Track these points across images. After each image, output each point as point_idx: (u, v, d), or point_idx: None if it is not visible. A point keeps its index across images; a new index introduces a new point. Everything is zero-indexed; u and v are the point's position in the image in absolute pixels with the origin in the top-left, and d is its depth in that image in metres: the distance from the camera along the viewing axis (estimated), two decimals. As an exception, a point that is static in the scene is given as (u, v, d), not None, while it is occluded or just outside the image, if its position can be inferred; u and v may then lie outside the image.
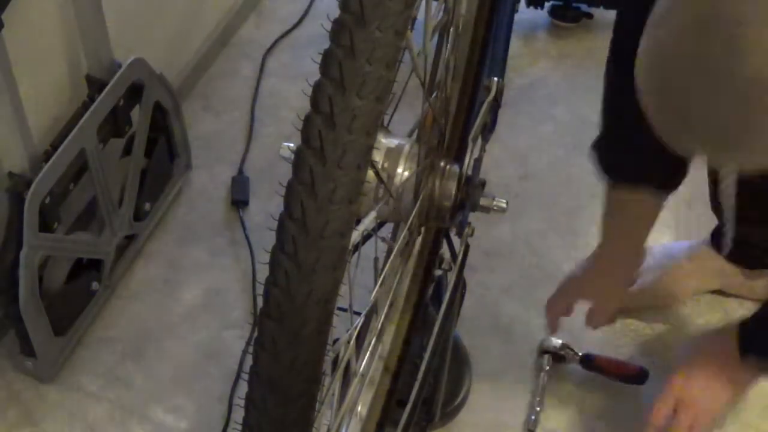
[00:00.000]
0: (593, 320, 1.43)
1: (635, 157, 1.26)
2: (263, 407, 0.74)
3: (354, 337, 0.91)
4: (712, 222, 1.76)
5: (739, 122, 0.75)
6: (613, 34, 1.25)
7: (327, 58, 0.68)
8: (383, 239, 1.03)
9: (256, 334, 0.73)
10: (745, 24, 0.71)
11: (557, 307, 1.44)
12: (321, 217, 0.68)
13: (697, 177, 1.83)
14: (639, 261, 1.43)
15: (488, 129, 1.26)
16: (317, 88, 0.68)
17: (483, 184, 1.18)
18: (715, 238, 1.61)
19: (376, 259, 1.00)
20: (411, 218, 1.00)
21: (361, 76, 0.67)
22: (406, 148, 0.99)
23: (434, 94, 1.08)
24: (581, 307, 1.44)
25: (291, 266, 0.69)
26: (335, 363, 0.87)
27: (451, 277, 1.28)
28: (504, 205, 1.17)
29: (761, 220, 1.49)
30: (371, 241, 1.02)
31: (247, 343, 1.59)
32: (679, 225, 1.78)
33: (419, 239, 1.21)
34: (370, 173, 0.89)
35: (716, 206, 1.56)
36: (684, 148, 0.84)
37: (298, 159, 0.68)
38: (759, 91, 0.72)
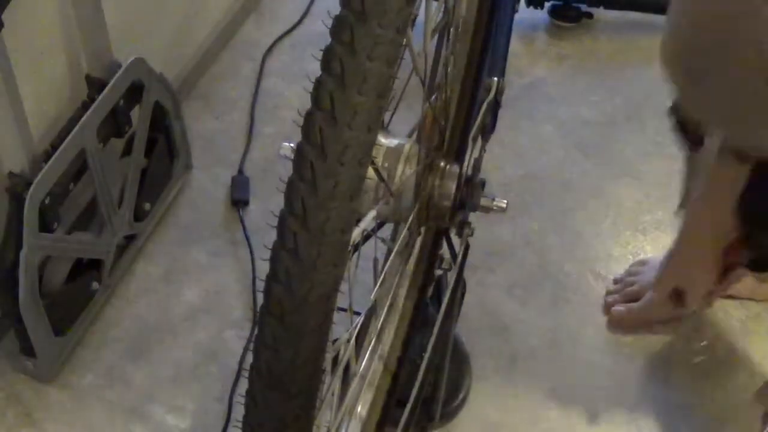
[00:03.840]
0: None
1: None
2: (264, 404, 0.74)
3: (354, 337, 0.91)
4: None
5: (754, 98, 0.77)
6: None
7: (328, 54, 0.68)
8: (383, 240, 1.03)
9: (256, 331, 0.73)
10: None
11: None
12: (322, 214, 0.68)
13: (697, 177, 1.84)
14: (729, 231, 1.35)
15: (488, 129, 1.26)
16: (318, 84, 0.68)
17: (483, 184, 1.18)
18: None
19: (375, 260, 1.01)
20: (411, 218, 1.00)
21: (362, 73, 0.67)
22: (406, 148, 0.99)
23: (434, 95, 1.08)
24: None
25: (292, 262, 0.69)
26: (335, 362, 0.87)
27: (451, 277, 1.28)
28: (504, 205, 1.17)
29: None
30: (371, 242, 1.02)
31: (248, 343, 1.59)
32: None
33: (419, 239, 1.21)
34: (370, 171, 0.89)
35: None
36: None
37: (299, 155, 0.68)
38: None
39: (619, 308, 1.63)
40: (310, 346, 0.71)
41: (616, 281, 1.69)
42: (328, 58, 0.68)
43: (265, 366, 0.72)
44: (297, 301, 0.69)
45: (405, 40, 0.72)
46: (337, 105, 0.67)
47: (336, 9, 0.71)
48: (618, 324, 1.63)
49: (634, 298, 1.64)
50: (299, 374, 0.72)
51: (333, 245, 0.69)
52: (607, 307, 1.65)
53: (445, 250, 1.32)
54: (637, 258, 1.72)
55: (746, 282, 1.62)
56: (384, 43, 0.68)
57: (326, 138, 0.67)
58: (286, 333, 0.70)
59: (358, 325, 0.91)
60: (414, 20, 0.80)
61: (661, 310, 1.39)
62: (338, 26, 0.68)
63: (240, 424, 0.80)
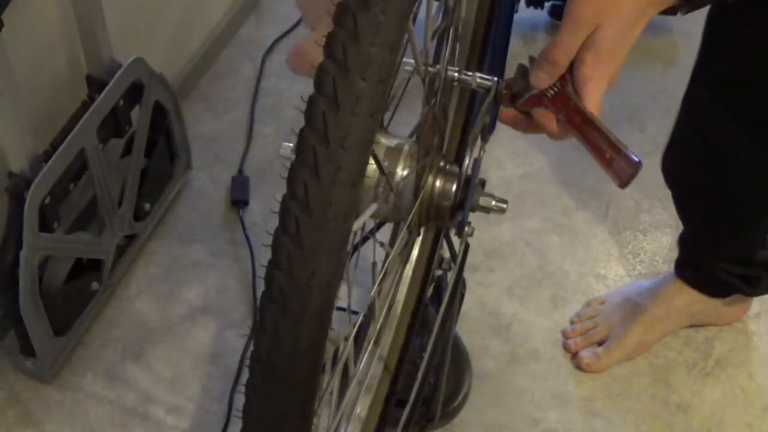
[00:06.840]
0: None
1: None
2: (264, 394, 0.74)
3: (353, 336, 0.90)
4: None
5: None
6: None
7: (331, 40, 0.68)
8: (381, 244, 1.03)
9: (257, 318, 0.73)
10: None
11: None
12: (324, 199, 0.68)
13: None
14: None
15: (488, 129, 1.26)
16: (321, 70, 0.68)
17: (483, 183, 1.18)
18: (680, 269, 1.59)
19: (374, 264, 1.00)
20: (410, 218, 1.00)
21: (365, 59, 0.67)
22: (406, 147, 0.99)
23: (434, 95, 1.08)
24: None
25: (293, 248, 0.68)
26: (335, 359, 0.87)
27: (451, 277, 1.28)
28: (504, 206, 1.17)
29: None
30: (370, 245, 1.02)
31: (248, 342, 1.59)
32: (678, 225, 1.78)
33: (419, 239, 1.21)
34: (371, 167, 0.89)
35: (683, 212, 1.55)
36: None
37: (302, 140, 0.68)
38: None
39: (587, 354, 1.60)
40: (310, 334, 0.71)
41: (573, 322, 1.65)
42: (330, 44, 0.68)
43: (265, 353, 0.72)
44: (298, 287, 0.69)
45: (406, 38, 0.72)
46: (340, 90, 0.67)
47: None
48: (589, 369, 1.60)
49: (598, 341, 1.61)
50: (300, 362, 0.72)
51: (335, 231, 0.68)
52: (571, 352, 1.61)
53: (445, 250, 1.32)
54: (591, 297, 1.69)
55: (707, 309, 1.61)
56: (386, 30, 0.68)
57: (329, 123, 0.67)
58: (286, 319, 0.70)
59: (357, 325, 0.91)
60: (415, 17, 0.80)
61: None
62: (341, 13, 0.68)
63: (241, 415, 0.80)
